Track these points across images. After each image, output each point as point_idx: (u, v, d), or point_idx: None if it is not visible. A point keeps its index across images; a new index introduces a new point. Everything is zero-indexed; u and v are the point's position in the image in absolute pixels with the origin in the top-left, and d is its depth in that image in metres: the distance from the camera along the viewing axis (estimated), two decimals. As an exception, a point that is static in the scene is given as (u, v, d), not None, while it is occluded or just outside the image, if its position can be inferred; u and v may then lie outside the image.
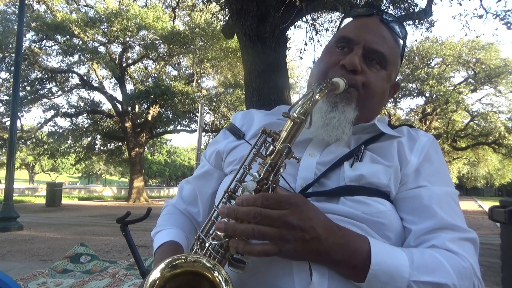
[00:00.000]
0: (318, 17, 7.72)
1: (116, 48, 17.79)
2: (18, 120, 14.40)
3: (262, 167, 0.58)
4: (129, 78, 18.59)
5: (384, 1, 6.33)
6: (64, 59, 15.67)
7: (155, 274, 0.51)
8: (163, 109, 18.10)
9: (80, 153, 19.98)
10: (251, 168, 0.62)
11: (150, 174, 46.69)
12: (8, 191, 6.90)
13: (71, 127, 17.88)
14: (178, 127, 19.96)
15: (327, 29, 7.88)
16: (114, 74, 16.51)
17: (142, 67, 18.91)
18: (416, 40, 15.87)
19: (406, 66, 19.68)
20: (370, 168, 0.68)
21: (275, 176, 0.58)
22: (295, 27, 8.02)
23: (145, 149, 22.52)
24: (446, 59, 19.55)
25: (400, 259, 0.56)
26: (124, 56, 17.94)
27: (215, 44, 15.40)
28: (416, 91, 21.28)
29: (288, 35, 6.10)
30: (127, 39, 16.21)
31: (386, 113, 20.46)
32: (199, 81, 19.02)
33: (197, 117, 12.80)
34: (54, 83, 16.84)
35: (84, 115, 18.21)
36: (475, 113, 19.97)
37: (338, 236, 0.57)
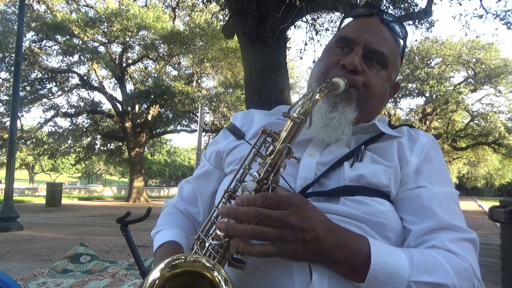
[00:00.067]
0: (318, 17, 7.72)
1: (116, 48, 17.83)
2: (18, 120, 14.41)
3: (262, 167, 0.58)
4: (129, 78, 18.60)
5: (384, 1, 6.33)
6: (64, 59, 15.70)
7: (155, 274, 0.51)
8: (163, 109, 18.11)
9: (80, 153, 19.98)
10: (251, 168, 0.62)
11: (150, 174, 46.71)
12: (8, 191, 6.90)
13: (71, 127, 17.89)
14: (178, 127, 19.98)
15: (327, 29, 7.88)
16: (114, 74, 16.52)
17: (142, 67, 18.92)
18: (416, 40, 15.86)
19: (406, 66, 19.68)
20: (370, 168, 0.68)
21: (275, 176, 0.58)
22: (295, 27, 8.02)
23: (145, 149, 22.52)
24: (446, 59, 19.55)
25: (400, 259, 0.56)
26: (124, 56, 17.95)
27: (215, 44, 15.41)
28: (416, 91, 21.29)
29: (288, 35, 6.11)
30: (127, 39, 16.21)
31: (386, 113, 20.46)
32: (199, 81, 19.04)
33: (197, 117, 12.80)
34: (54, 83, 16.85)
35: (84, 115, 18.22)
36: (475, 113, 19.98)
37: (338, 236, 0.57)
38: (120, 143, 20.26)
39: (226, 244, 0.56)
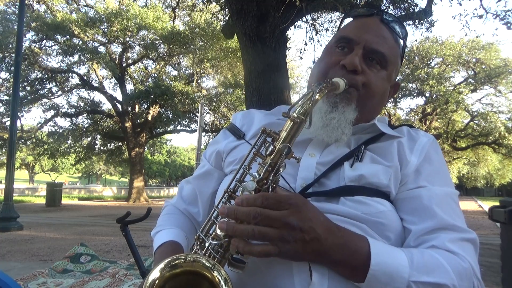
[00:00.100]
0: (318, 17, 7.72)
1: (116, 48, 17.84)
2: (18, 120, 14.42)
3: (262, 167, 0.58)
4: (129, 78, 18.60)
5: (384, 1, 6.33)
6: (64, 59, 15.70)
7: (155, 274, 0.51)
8: (163, 109, 18.11)
9: (80, 153, 19.99)
10: (251, 168, 0.62)
11: (150, 174, 46.71)
12: (8, 191, 6.90)
13: (71, 127, 17.89)
14: (178, 127, 19.98)
15: (327, 29, 7.88)
16: (114, 74, 16.52)
17: (142, 67, 18.92)
18: (416, 40, 15.87)
19: (406, 66, 19.68)
20: (370, 168, 0.68)
21: (275, 176, 0.58)
22: (295, 27, 8.02)
23: (145, 149, 22.52)
24: (446, 59, 19.55)
25: (400, 260, 0.56)
26: (124, 56, 17.95)
27: (215, 44, 15.41)
28: (416, 91, 21.28)
29: (288, 35, 6.11)
30: (127, 39, 16.21)
31: (386, 113, 20.46)
32: (199, 81, 19.04)
33: (197, 117, 12.80)
34: (54, 83, 16.85)
35: (84, 115, 18.22)
36: (475, 113, 19.98)
37: (338, 236, 0.57)
38: (120, 143, 20.26)
39: (226, 244, 0.56)
